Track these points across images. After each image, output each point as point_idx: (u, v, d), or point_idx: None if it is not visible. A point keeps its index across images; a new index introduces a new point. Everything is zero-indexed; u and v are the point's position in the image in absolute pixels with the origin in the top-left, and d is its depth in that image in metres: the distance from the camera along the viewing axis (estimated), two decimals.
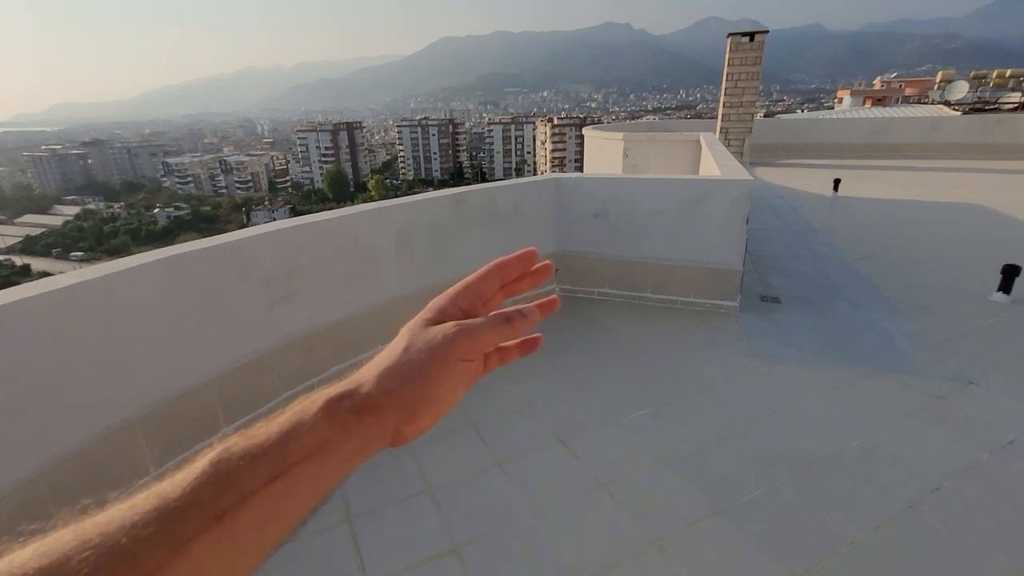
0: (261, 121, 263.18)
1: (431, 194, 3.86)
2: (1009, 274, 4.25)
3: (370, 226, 3.41)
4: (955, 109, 23.00)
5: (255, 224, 4.10)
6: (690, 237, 4.22)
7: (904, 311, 4.22)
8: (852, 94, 51.15)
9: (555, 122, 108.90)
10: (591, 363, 3.57)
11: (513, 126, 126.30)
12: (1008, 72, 25.99)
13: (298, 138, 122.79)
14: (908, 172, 11.63)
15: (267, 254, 2.82)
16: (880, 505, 2.21)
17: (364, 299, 3.44)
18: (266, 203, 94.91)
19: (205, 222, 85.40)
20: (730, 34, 12.94)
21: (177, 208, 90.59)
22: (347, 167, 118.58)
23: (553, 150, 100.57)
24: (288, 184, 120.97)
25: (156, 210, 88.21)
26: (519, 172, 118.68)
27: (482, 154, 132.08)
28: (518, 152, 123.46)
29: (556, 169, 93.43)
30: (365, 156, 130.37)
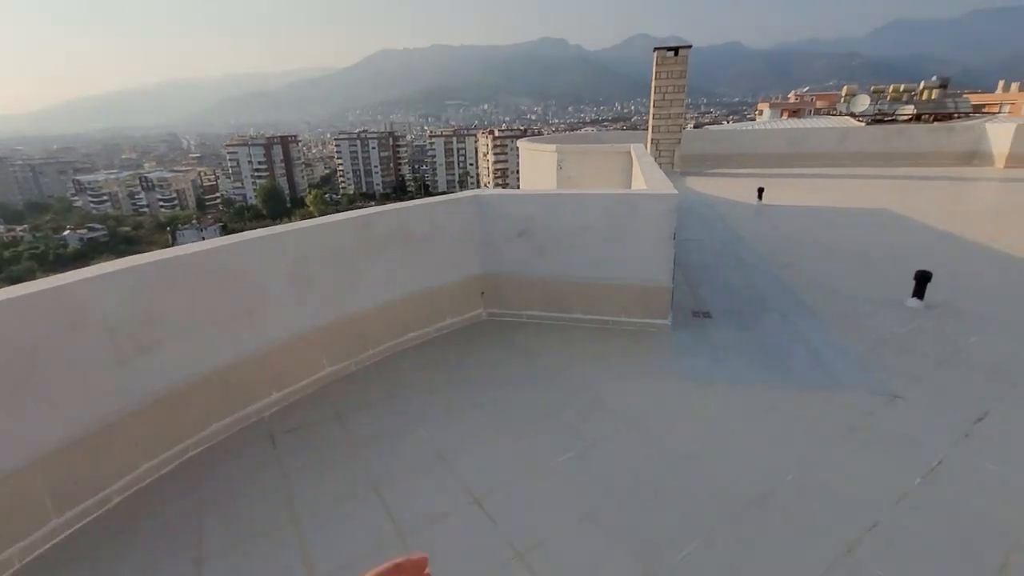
0: (187, 135, 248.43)
1: (332, 218, 3.45)
2: (922, 280, 4.36)
3: (255, 257, 2.96)
4: (859, 120, 24.98)
5: (181, 244, 3.57)
6: (618, 255, 4.04)
7: (827, 321, 4.22)
8: (771, 107, 54.86)
9: (496, 134, 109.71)
10: (515, 399, 3.26)
11: (455, 139, 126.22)
12: (902, 87, 28.85)
13: (228, 153, 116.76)
14: (823, 179, 12.30)
15: (110, 299, 2.32)
16: (819, 552, 2.02)
17: (251, 341, 2.97)
18: (194, 221, 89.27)
19: (124, 243, 78.94)
20: (656, 48, 13.29)
21: (91, 229, 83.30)
22: (283, 182, 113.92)
23: (495, 162, 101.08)
24: (218, 201, 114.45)
25: (67, 232, 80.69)
26: (463, 184, 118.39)
27: (424, 167, 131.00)
28: (461, 164, 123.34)
29: (499, 181, 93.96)
30: (302, 171, 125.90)
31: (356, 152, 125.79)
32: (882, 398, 3.08)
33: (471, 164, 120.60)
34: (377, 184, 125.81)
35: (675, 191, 3.85)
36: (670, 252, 3.95)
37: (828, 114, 32.43)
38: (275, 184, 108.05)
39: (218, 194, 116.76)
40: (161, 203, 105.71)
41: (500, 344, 4.02)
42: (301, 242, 3.18)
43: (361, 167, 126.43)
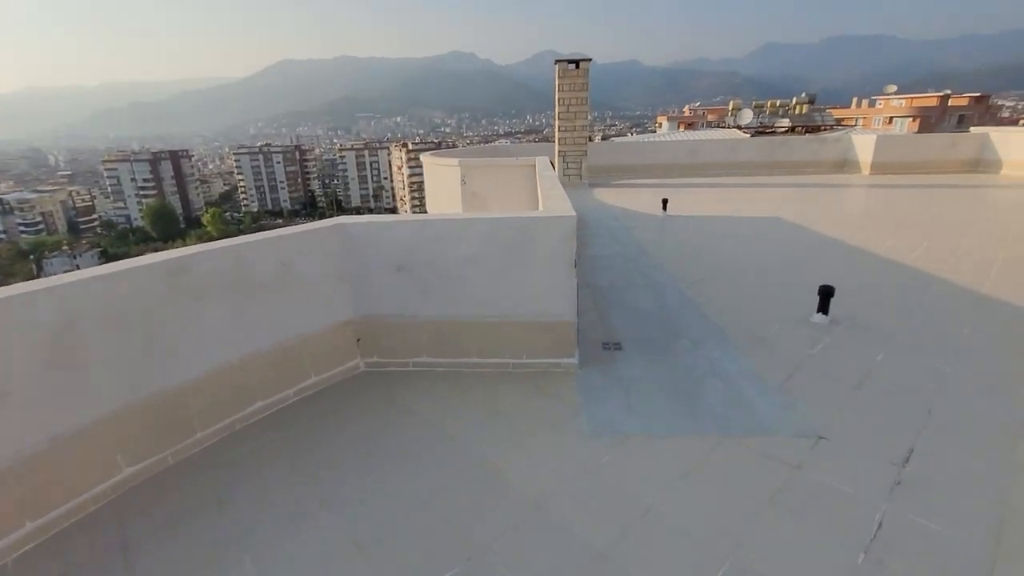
0: (54, 151, 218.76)
1: (126, 265, 2.55)
2: (825, 296, 4.25)
3: None
4: (745, 132, 27.13)
5: (48, 275, 2.51)
6: (514, 287, 3.48)
7: (740, 345, 3.95)
8: (669, 119, 58.66)
9: (410, 147, 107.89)
10: (387, 487, 2.55)
11: (367, 152, 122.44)
12: (778, 102, 32.08)
13: (106, 170, 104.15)
14: (719, 188, 12.80)
15: None
16: None
17: None
18: (65, 247, 78.27)
19: None
20: (557, 61, 13.23)
21: None
22: (175, 201, 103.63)
23: (411, 175, 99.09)
24: (96, 223, 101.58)
25: None
26: (376, 198, 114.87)
27: (336, 181, 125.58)
28: (375, 178, 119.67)
29: (416, 194, 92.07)
30: (197, 188, 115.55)
31: (259, 167, 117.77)
32: (807, 441, 2.75)
33: (385, 178, 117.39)
34: (284, 200, 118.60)
35: (572, 213, 3.37)
36: (572, 282, 3.45)
37: (718, 126, 35.09)
38: (165, 203, 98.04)
39: (95, 216, 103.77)
40: (23, 227, 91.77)
41: (378, 405, 3.29)
42: (68, 303, 2.27)
43: (265, 183, 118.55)
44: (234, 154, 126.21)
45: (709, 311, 4.65)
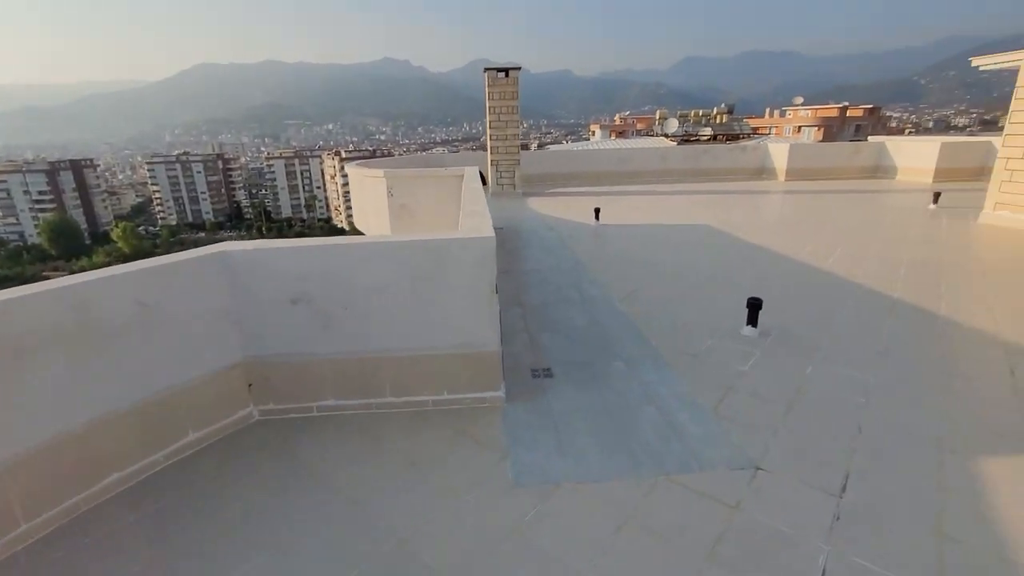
0: None
1: None
2: (754, 308, 4.20)
3: None
4: (672, 140, 28.33)
5: None
6: (429, 317, 3.11)
7: (673, 364, 3.80)
8: (601, 128, 60.38)
9: (344, 155, 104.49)
10: None
11: (297, 160, 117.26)
12: (700, 112, 33.83)
13: None
14: (649, 196, 13.06)
15: None
16: None
17: None
18: None
19: None
20: (486, 69, 13.01)
21: None
22: (78, 215, 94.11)
23: (344, 184, 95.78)
24: None
25: None
26: (309, 208, 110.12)
27: (264, 191, 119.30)
28: (306, 188, 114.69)
29: (351, 205, 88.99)
30: (104, 200, 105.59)
31: (176, 177, 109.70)
32: (745, 474, 2.58)
33: (318, 187, 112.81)
34: (206, 212, 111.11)
35: (490, 233, 3.06)
36: (493, 308, 3.14)
37: (647, 134, 36.48)
38: (67, 217, 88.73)
39: None
40: None
41: (272, 464, 2.80)
42: None
43: (184, 194, 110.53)
44: (147, 163, 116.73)
45: (643, 326, 4.50)
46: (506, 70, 12.91)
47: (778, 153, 16.05)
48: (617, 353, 4.01)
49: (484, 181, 8.91)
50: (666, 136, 29.69)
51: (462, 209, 4.08)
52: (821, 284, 5.64)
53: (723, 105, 35.03)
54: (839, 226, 8.52)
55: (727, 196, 12.74)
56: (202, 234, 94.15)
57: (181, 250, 3.02)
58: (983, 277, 5.71)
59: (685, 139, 28.50)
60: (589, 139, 53.26)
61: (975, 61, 14.96)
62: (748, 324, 4.25)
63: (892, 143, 15.68)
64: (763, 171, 16.75)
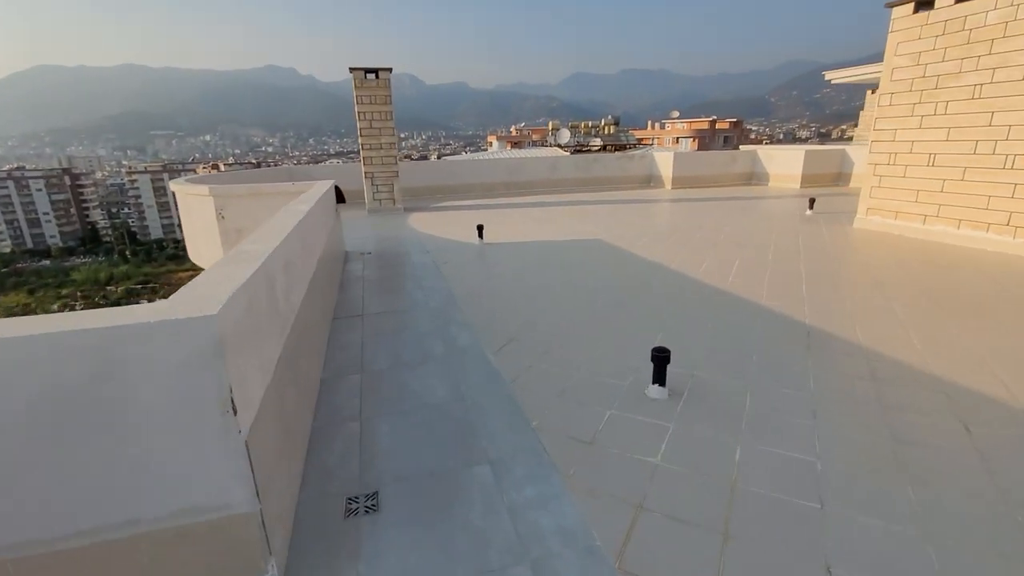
0: None
1: None
2: (660, 361, 3.21)
3: None
4: (565, 150, 28.50)
5: None
6: (104, 471, 1.64)
7: (560, 461, 2.65)
8: (498, 139, 60.52)
9: (223, 168, 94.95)
10: None
11: (167, 175, 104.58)
12: (590, 123, 34.71)
13: None
14: (540, 208, 12.26)
15: None
16: None
17: None
18: None
19: None
20: (352, 69, 11.43)
21: None
22: None
23: None
24: None
25: None
26: (182, 228, 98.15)
27: (127, 210, 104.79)
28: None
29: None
30: None
31: (9, 196, 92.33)
32: None
33: None
34: (52, 236, 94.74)
35: (214, 311, 1.66)
36: (232, 439, 1.74)
37: (542, 145, 36.77)
38: None
39: None
40: None
41: None
42: None
43: (21, 215, 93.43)
44: None
45: (522, 395, 3.33)
46: (376, 70, 11.43)
47: (664, 162, 16.19)
48: (483, 447, 2.78)
49: (341, 198, 7.37)
50: (559, 147, 29.86)
51: (232, 250, 2.61)
52: (726, 309, 4.91)
53: (610, 117, 36.27)
54: (731, 237, 8.16)
55: (619, 206, 12.32)
56: (46, 262, 79.71)
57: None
58: (881, 289, 5.35)
59: (577, 149, 28.85)
60: (488, 149, 52.95)
61: (828, 75, 16.26)
62: (655, 383, 3.26)
63: (763, 152, 16.51)
64: (651, 179, 16.85)
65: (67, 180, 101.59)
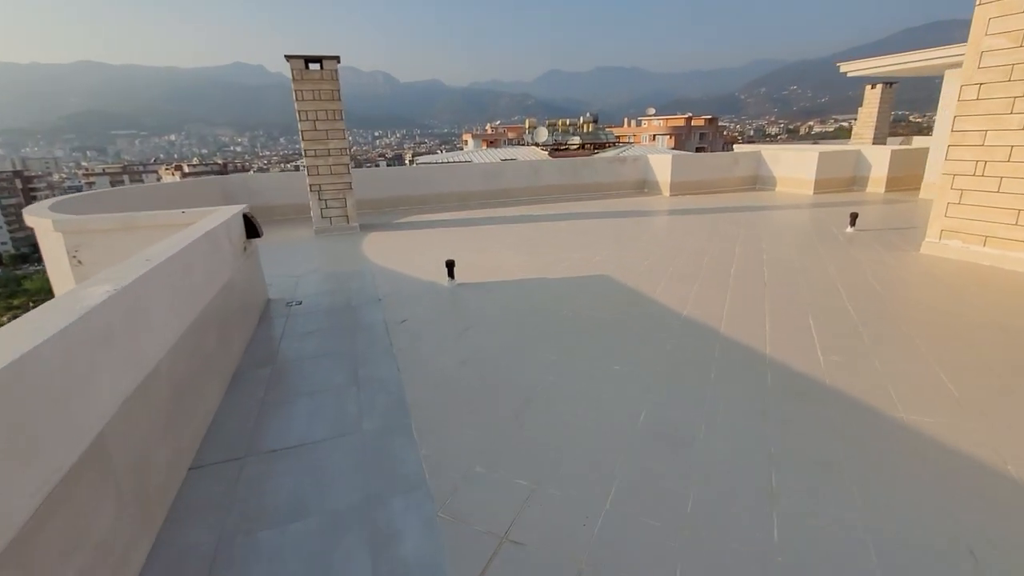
0: None
1: None
2: None
3: None
4: (543, 149, 26.63)
5: None
6: None
7: None
8: (473, 137, 58.38)
9: (187, 169, 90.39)
10: None
11: (127, 177, 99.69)
12: (568, 121, 33.03)
13: None
14: (525, 224, 10.29)
15: None
16: None
17: None
18: None
19: None
20: (289, 57, 9.25)
21: None
22: None
23: None
24: None
25: None
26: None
27: None
28: None
29: None
30: None
31: None
32: None
33: None
34: (3, 242, 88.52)
35: None
36: None
37: (519, 143, 34.86)
38: None
39: None
40: None
41: None
42: None
43: None
44: None
45: None
46: (319, 59, 9.28)
47: (660, 166, 14.40)
48: None
49: (255, 231, 5.25)
50: (537, 145, 28.00)
51: None
52: (871, 442, 3.04)
53: (588, 115, 34.58)
54: (782, 273, 6.32)
55: (618, 221, 10.44)
56: None
57: None
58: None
59: (556, 148, 27.05)
60: (463, 148, 50.79)
61: (843, 67, 14.66)
62: None
63: (768, 153, 14.86)
64: (645, 184, 15.06)
65: (18, 184, 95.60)
